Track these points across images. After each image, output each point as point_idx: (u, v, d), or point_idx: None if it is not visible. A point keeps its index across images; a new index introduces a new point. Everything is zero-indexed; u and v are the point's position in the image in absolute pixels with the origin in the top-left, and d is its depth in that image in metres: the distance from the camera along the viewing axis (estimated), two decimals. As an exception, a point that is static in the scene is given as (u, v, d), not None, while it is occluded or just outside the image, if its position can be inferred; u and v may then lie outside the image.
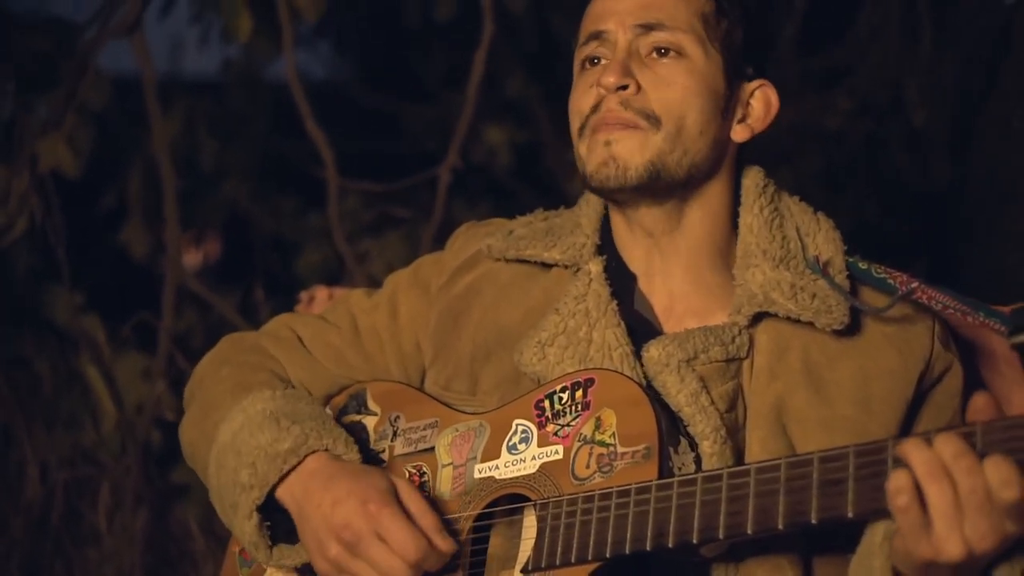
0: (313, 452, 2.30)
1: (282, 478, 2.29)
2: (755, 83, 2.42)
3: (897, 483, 1.91)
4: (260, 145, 5.74)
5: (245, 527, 2.30)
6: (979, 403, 1.97)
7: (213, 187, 5.59)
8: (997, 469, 1.87)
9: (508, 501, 2.27)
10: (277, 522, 2.32)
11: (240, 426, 2.35)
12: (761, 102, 2.42)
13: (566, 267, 2.44)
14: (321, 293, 3.22)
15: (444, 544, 2.23)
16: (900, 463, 1.92)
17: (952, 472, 1.89)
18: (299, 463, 2.29)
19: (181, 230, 4.48)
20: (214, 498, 2.40)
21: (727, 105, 2.38)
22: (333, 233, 4.55)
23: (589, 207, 2.49)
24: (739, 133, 2.40)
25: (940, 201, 4.51)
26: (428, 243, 4.37)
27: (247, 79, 5.69)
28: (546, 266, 2.47)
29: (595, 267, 2.40)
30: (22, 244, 4.35)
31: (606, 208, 2.48)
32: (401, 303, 2.57)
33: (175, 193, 4.40)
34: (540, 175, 6.02)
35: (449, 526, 2.27)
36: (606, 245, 2.45)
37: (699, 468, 2.18)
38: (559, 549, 2.14)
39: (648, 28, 2.35)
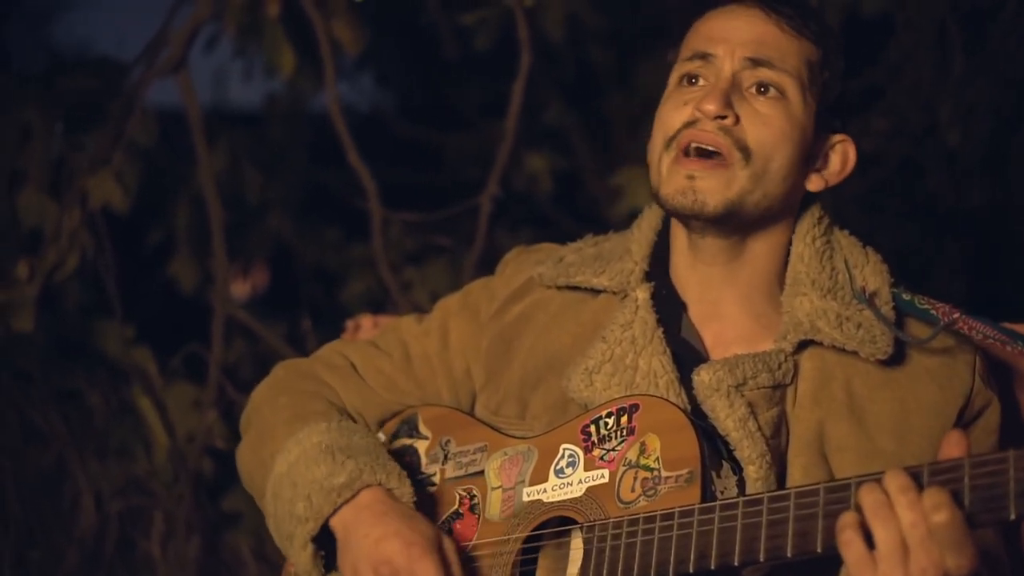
0: (367, 487, 2.34)
1: (336, 510, 2.33)
2: (838, 137, 2.41)
3: (844, 520, 1.96)
4: (303, 177, 5.77)
5: (300, 557, 2.35)
6: (952, 439, 1.99)
7: (258, 219, 5.63)
8: (931, 496, 1.91)
9: (556, 524, 2.30)
10: (331, 551, 2.36)
11: (296, 458, 2.39)
12: (840, 156, 2.42)
13: (614, 293, 2.46)
14: (367, 321, 3.24)
15: None
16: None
17: (896, 507, 1.93)
18: (353, 496, 2.33)
19: (228, 262, 4.52)
20: (271, 525, 2.44)
21: (810, 154, 2.37)
22: (377, 263, 4.55)
23: (640, 232, 2.50)
24: (814, 183, 2.40)
25: (977, 221, 4.52)
26: (471, 271, 4.36)
27: (290, 112, 5.74)
28: (596, 292, 2.48)
29: (642, 294, 2.41)
30: (74, 279, 4.39)
31: (657, 234, 2.49)
32: (452, 329, 2.59)
33: (222, 226, 4.45)
34: (581, 202, 6.03)
35: (499, 548, 2.31)
36: (657, 271, 2.45)
37: (742, 492, 2.21)
38: (605, 571, 2.17)
39: (757, 63, 2.34)
